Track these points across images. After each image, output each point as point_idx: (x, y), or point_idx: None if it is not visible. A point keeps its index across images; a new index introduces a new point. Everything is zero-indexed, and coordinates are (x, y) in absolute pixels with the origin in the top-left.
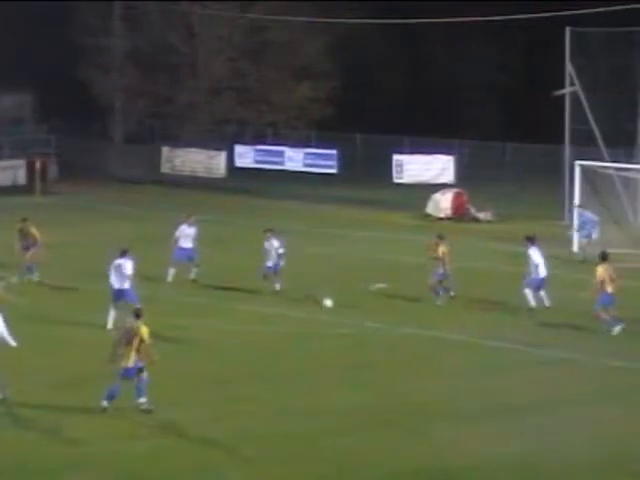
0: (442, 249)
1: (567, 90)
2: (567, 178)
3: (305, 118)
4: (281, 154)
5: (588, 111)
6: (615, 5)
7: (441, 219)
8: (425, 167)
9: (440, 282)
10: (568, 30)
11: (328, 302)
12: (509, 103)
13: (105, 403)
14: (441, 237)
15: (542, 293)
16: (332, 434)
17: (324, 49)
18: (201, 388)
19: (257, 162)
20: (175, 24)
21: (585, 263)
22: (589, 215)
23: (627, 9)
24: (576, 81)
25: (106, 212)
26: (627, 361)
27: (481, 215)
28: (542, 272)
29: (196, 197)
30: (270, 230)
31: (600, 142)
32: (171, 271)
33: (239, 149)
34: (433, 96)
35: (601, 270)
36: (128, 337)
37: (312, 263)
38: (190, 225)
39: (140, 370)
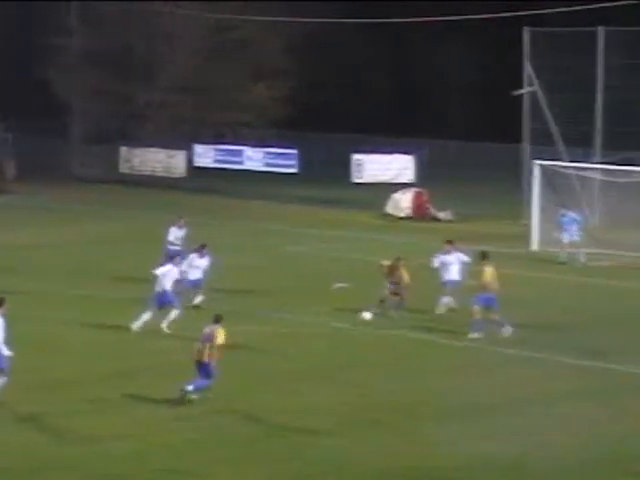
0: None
1: (526, 90)
2: (526, 177)
3: (265, 117)
4: (241, 154)
5: (547, 111)
6: (574, 5)
7: (401, 218)
8: (385, 167)
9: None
10: (527, 30)
11: (367, 315)
12: (469, 102)
13: (188, 390)
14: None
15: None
16: (317, 434)
17: (283, 49)
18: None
19: (217, 162)
20: (134, 24)
21: (564, 264)
22: (572, 215)
23: (586, 9)
24: (535, 81)
25: (64, 212)
26: (597, 361)
27: (441, 214)
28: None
29: (155, 197)
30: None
31: (559, 142)
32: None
33: (198, 149)
34: (393, 95)
35: (489, 270)
36: (207, 340)
37: (273, 262)
38: (180, 227)
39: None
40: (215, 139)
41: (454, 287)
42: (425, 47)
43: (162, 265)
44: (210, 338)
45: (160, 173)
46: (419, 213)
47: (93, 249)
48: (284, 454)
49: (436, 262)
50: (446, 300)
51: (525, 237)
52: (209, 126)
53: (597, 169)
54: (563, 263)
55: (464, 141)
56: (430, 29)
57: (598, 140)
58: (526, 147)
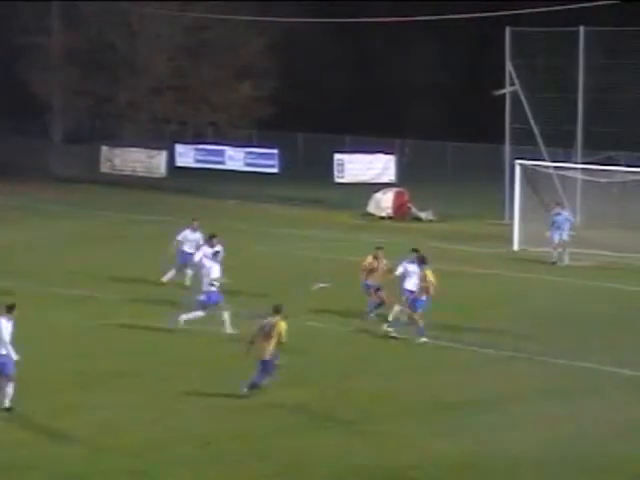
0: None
1: (507, 90)
2: (507, 177)
3: (246, 117)
4: (222, 153)
5: (528, 111)
6: (555, 5)
7: (382, 218)
8: (366, 166)
9: None
10: (508, 30)
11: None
12: (450, 102)
13: (245, 390)
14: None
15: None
16: (275, 433)
17: (265, 48)
18: (140, 389)
19: (198, 161)
20: (115, 23)
21: (555, 264)
22: (566, 214)
23: (567, 9)
24: (516, 81)
25: (45, 211)
26: (569, 359)
27: (422, 214)
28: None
29: (136, 197)
30: None
31: (540, 141)
32: (170, 273)
33: (179, 148)
34: (374, 95)
35: (430, 273)
36: (266, 331)
37: (255, 262)
38: (194, 230)
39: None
40: (196, 139)
41: (408, 297)
42: (409, 47)
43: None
44: (269, 331)
45: (141, 173)
46: (400, 213)
47: (63, 248)
48: (240, 453)
49: (399, 269)
50: (397, 309)
51: (506, 237)
52: (190, 126)
53: (578, 169)
54: (554, 263)
55: (445, 141)
56: (413, 29)
57: (579, 140)
58: (507, 147)
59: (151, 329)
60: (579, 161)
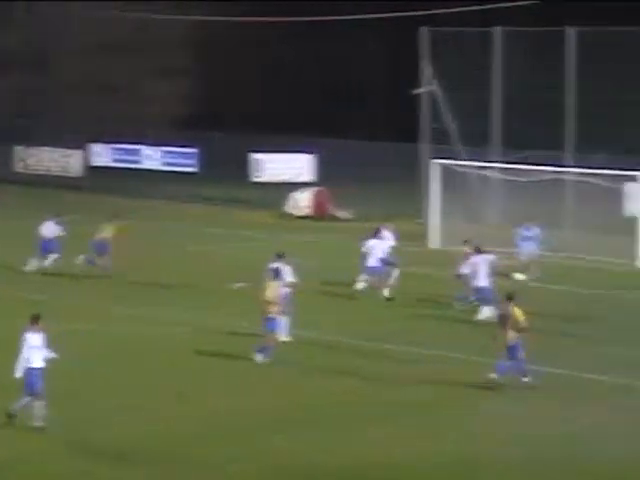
0: None
1: (424, 89)
2: (424, 177)
3: (165, 116)
4: (139, 153)
5: (445, 110)
6: (471, 5)
7: (300, 218)
8: (284, 166)
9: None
10: (424, 29)
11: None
12: (368, 102)
13: (495, 375)
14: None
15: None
16: (253, 433)
17: (183, 47)
18: (82, 394)
19: (115, 161)
20: (31, 21)
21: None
22: (536, 230)
23: (483, 9)
24: (433, 80)
25: None
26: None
27: (341, 214)
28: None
29: (51, 196)
30: None
31: (457, 141)
32: (34, 261)
33: (96, 148)
34: (293, 94)
35: (273, 286)
36: (503, 320)
37: (171, 261)
38: (56, 224)
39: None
40: (114, 138)
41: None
42: (326, 46)
43: None
44: (505, 319)
45: (56, 172)
46: (318, 212)
47: None
48: (220, 456)
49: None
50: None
51: (424, 235)
52: (107, 125)
53: (496, 168)
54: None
55: (364, 140)
56: (330, 28)
57: (497, 139)
58: (425, 146)
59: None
60: (496, 160)
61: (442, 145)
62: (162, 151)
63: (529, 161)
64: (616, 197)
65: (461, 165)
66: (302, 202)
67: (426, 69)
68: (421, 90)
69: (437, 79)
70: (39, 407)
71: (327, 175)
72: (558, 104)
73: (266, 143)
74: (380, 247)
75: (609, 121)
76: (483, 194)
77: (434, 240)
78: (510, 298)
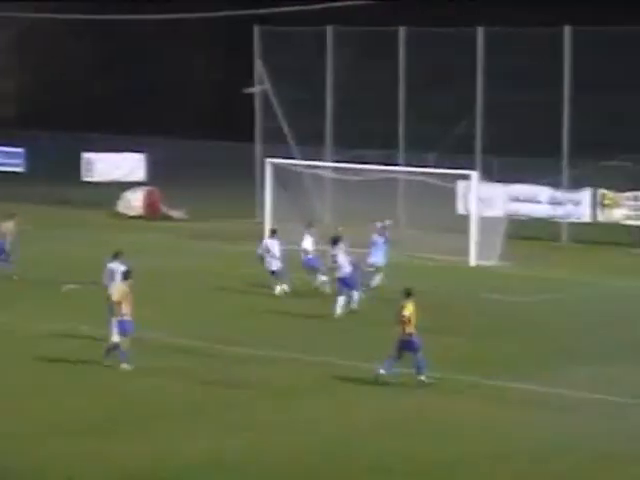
0: None
1: (257, 88)
2: (258, 176)
3: None
4: None
5: (278, 109)
6: (303, 4)
7: (133, 217)
8: (116, 165)
9: None
10: (257, 28)
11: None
12: (201, 101)
13: (383, 371)
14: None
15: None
16: (43, 437)
17: (9, 45)
18: None
19: None
20: None
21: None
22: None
23: (317, 9)
24: (266, 79)
25: None
26: (334, 357)
27: (174, 213)
28: None
29: None
30: None
31: (290, 140)
32: None
33: None
34: (124, 94)
35: (122, 289)
36: (397, 314)
37: None
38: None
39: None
40: None
41: None
42: (157, 46)
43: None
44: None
45: None
46: (151, 212)
47: None
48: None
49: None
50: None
51: (258, 235)
52: None
53: (328, 167)
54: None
55: (196, 140)
56: (158, 28)
57: (329, 139)
58: (258, 146)
59: None
60: (329, 159)
61: (276, 144)
62: None
63: (362, 160)
64: (448, 196)
65: (295, 164)
66: (134, 202)
67: (259, 68)
68: (254, 89)
69: (270, 78)
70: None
71: (160, 174)
72: (390, 103)
73: (97, 142)
74: (277, 247)
75: (441, 120)
76: (316, 193)
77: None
78: (409, 294)
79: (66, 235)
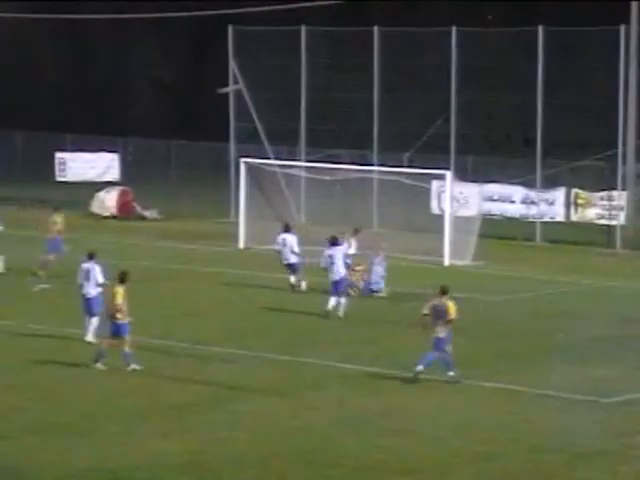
0: None
1: (231, 88)
2: (233, 176)
3: None
4: None
5: (252, 109)
6: (277, 4)
7: (106, 217)
8: (89, 165)
9: None
10: (231, 28)
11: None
12: (175, 101)
13: (420, 367)
14: None
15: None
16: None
17: None
18: None
19: None
20: None
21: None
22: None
23: (290, 8)
24: (240, 79)
25: None
26: (292, 355)
27: (147, 213)
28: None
29: None
30: None
31: (264, 140)
32: None
33: None
34: (97, 93)
35: (119, 291)
36: (435, 312)
37: None
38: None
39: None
40: None
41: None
42: (131, 45)
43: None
44: (440, 312)
45: None
46: (125, 212)
47: None
48: None
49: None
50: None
51: (232, 235)
52: None
53: (302, 167)
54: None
55: (170, 139)
56: (134, 27)
57: (302, 138)
58: (232, 145)
59: None
60: (303, 159)
61: (249, 144)
62: None
63: (336, 160)
64: (423, 195)
65: (268, 164)
66: (108, 202)
67: (233, 68)
68: (227, 89)
69: (244, 78)
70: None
71: (134, 174)
72: (364, 103)
73: (70, 142)
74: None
75: (414, 120)
76: (290, 193)
77: (243, 240)
78: (444, 292)
79: (38, 237)
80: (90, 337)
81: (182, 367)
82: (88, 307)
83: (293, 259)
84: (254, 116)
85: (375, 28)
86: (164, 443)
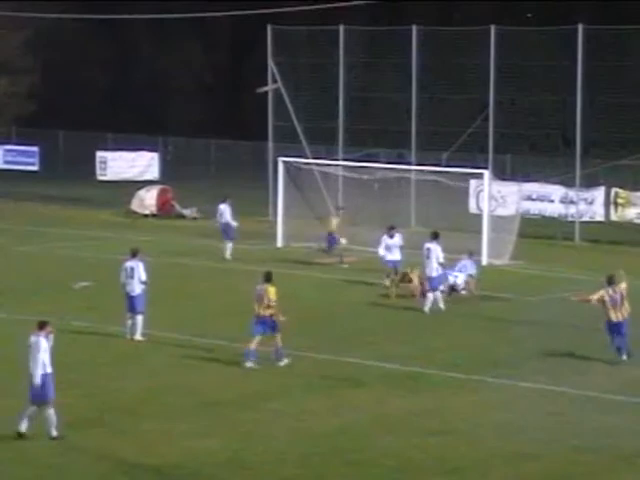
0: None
1: (270, 87)
2: (271, 175)
3: (5, 114)
4: None
5: (290, 108)
6: (315, 4)
7: (146, 216)
8: (129, 164)
9: None
10: (270, 28)
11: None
12: (214, 100)
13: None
14: None
15: None
16: (35, 437)
17: (23, 44)
18: None
19: None
20: None
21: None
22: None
23: (327, 8)
24: (278, 79)
25: None
26: (332, 354)
27: (186, 212)
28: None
29: None
30: None
31: (302, 139)
32: None
33: None
34: (137, 93)
35: (272, 290)
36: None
37: (19, 262)
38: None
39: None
40: None
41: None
42: (172, 45)
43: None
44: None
45: None
46: (164, 210)
47: None
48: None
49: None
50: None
51: (270, 234)
52: None
53: (340, 166)
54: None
55: (209, 139)
56: (176, 27)
57: (340, 137)
58: (270, 145)
59: None
60: (341, 158)
61: (287, 143)
62: (3, 150)
63: (374, 159)
64: (461, 195)
65: (307, 163)
66: (147, 200)
67: (271, 67)
68: (266, 89)
69: (282, 77)
70: (52, 415)
71: (172, 173)
72: (403, 102)
73: (110, 141)
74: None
75: (453, 119)
76: (328, 192)
77: (281, 239)
78: (610, 282)
79: (80, 234)
80: (138, 336)
81: (222, 365)
82: (132, 305)
83: (435, 272)
84: (292, 115)
85: (413, 27)
86: (205, 441)
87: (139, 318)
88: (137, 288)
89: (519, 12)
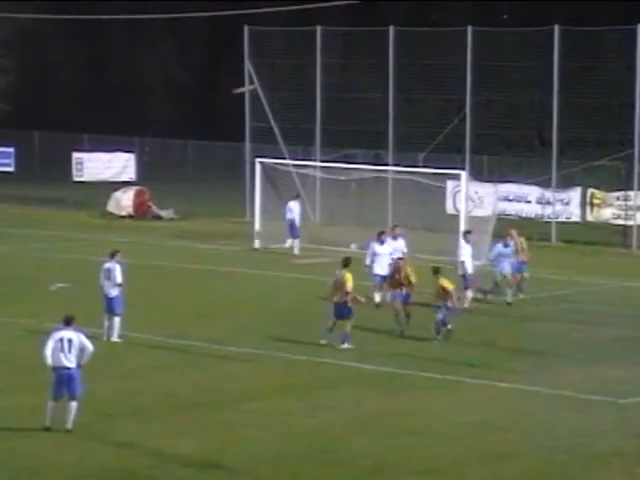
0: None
1: (247, 88)
2: (248, 175)
3: None
4: None
5: (267, 109)
6: (292, 5)
7: (123, 217)
8: (106, 165)
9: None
10: (246, 28)
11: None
12: (190, 101)
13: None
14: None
15: None
16: (9, 439)
17: (0, 44)
18: None
19: None
20: None
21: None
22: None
23: (304, 9)
24: (255, 79)
25: None
26: (308, 355)
27: (163, 213)
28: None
29: None
30: None
31: (279, 140)
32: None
33: None
34: (113, 93)
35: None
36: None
37: None
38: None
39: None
40: None
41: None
42: (146, 45)
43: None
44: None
45: None
46: (141, 211)
47: None
48: None
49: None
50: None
51: (247, 235)
52: None
53: (317, 167)
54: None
55: (186, 139)
56: (150, 27)
57: (318, 138)
58: (247, 145)
59: None
60: (318, 159)
61: (265, 144)
62: None
63: (351, 160)
64: (438, 195)
65: (284, 164)
66: (124, 201)
67: (248, 68)
68: (243, 89)
69: (259, 78)
70: (73, 409)
71: (148, 174)
72: (380, 103)
73: (86, 142)
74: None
75: (430, 120)
76: (305, 193)
77: (258, 240)
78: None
79: (56, 235)
80: (115, 338)
81: (198, 366)
82: (109, 307)
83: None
84: (269, 116)
85: (390, 28)
86: (180, 442)
87: (116, 320)
88: (113, 290)
89: (495, 13)
